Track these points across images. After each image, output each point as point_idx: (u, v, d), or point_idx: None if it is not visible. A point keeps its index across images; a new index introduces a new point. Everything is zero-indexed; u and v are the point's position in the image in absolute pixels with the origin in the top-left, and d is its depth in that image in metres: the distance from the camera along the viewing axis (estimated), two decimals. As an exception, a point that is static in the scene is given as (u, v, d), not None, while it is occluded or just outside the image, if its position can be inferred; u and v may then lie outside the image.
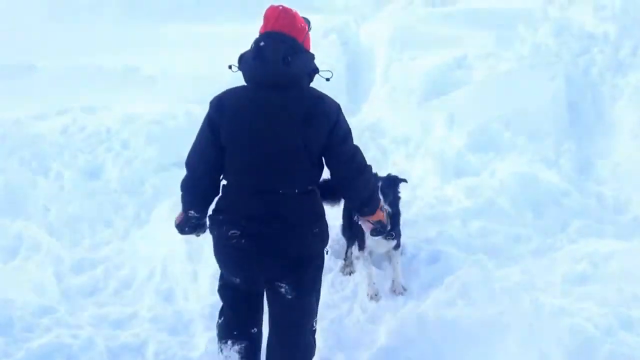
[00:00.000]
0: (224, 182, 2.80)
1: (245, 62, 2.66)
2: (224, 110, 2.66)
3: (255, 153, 2.62)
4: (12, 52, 7.21)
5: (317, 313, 2.96)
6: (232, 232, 2.68)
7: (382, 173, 3.81)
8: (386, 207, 3.40)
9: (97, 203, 4.98)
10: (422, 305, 3.45)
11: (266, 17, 2.69)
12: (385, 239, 3.55)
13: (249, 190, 2.67)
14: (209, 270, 3.82)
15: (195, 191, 2.81)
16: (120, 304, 3.86)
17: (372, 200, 2.89)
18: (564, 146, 5.32)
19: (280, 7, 2.71)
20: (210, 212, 2.85)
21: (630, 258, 3.71)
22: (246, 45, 2.69)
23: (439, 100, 6.11)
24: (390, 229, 3.45)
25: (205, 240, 3.88)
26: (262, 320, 2.99)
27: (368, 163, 2.80)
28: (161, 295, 3.91)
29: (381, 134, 6.05)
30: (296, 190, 2.67)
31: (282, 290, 2.77)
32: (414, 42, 7.08)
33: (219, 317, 3.00)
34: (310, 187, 2.73)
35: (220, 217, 2.76)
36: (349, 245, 4.12)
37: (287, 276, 2.75)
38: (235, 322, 2.94)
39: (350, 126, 2.73)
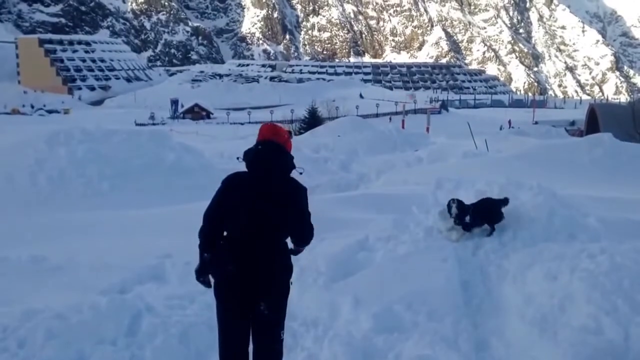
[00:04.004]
0: (225, 233, 4.03)
1: (247, 157, 3.95)
2: (230, 188, 3.98)
3: (246, 220, 3.91)
4: None
5: (284, 326, 4.21)
6: (230, 267, 3.91)
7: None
8: None
9: (-18, 414, 4.59)
10: None
11: (261, 130, 4.06)
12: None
13: (242, 241, 3.93)
14: None
15: (207, 239, 4.06)
16: None
17: (305, 242, 4.20)
18: (461, 325, 5.60)
19: (270, 124, 4.17)
20: (215, 255, 4.01)
21: None
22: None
23: (345, 282, 6.41)
24: None
25: None
26: None
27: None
28: None
29: (292, 317, 6.09)
30: (273, 241, 3.99)
31: (262, 307, 3.98)
32: (321, 224, 7.51)
33: None
34: (282, 241, 4.07)
35: (222, 259, 3.96)
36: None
37: (266, 298, 3.98)
38: None
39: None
